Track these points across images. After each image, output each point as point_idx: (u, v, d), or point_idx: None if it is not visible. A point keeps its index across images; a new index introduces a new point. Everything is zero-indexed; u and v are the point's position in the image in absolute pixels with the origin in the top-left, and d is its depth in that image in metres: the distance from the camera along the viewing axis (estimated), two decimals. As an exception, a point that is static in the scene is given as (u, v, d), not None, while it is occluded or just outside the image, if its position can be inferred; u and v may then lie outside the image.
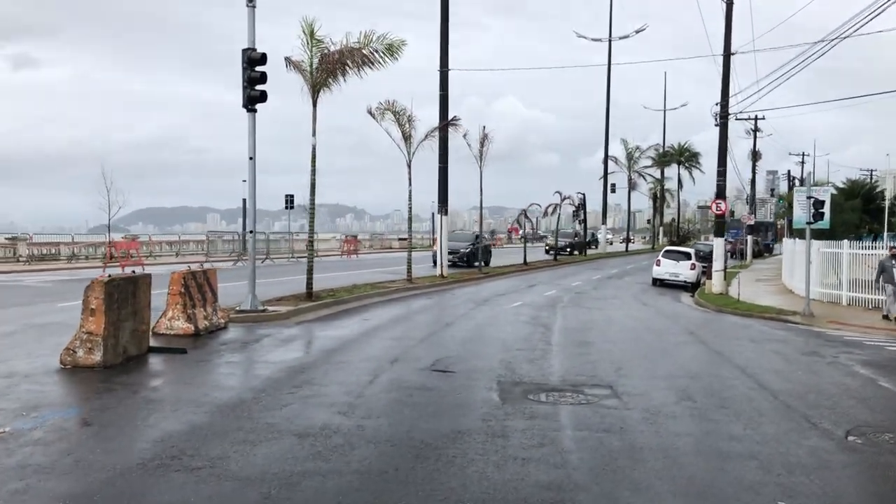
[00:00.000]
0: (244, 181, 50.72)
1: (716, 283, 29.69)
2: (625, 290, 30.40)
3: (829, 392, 10.09)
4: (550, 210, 49.62)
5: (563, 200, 48.32)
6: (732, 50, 30.12)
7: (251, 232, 15.97)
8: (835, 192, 47.54)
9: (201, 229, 55.89)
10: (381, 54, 18.90)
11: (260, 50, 15.62)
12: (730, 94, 29.96)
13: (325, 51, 18.19)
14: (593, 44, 61.97)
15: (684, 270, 34.51)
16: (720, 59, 30.01)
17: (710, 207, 34.96)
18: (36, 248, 37.59)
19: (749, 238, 60.50)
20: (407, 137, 26.09)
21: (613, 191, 73.38)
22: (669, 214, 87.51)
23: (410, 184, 26.63)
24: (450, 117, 29.55)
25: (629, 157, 65.76)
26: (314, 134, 18.46)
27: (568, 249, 55.25)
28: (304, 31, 18.39)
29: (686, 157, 75.94)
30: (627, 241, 72.56)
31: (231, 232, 48.01)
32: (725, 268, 35.66)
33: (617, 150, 67.62)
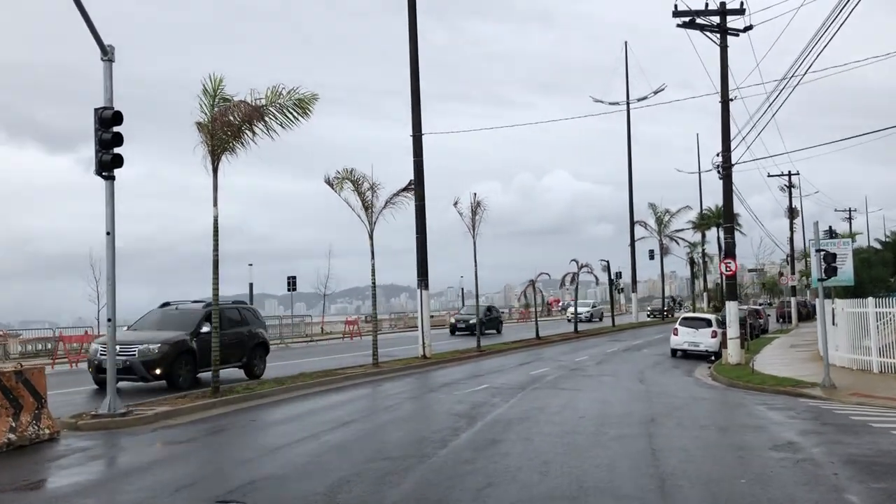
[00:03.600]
0: (250, 264, 49.13)
1: (732, 353, 26.18)
2: (632, 365, 27.11)
3: (762, 516, 7.00)
4: (568, 279, 46.59)
5: (580, 269, 45.23)
6: (731, 96, 27.42)
7: (109, 320, 13.54)
8: (878, 246, 43.58)
9: (263, 315, 55.60)
10: (291, 111, 16.72)
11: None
12: (731, 144, 27.05)
13: (223, 109, 16.08)
14: (633, 111, 59.51)
15: (704, 339, 31.06)
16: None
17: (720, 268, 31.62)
18: (30, 343, 35.95)
19: (793, 300, 56.22)
20: (368, 207, 23.78)
21: (652, 257, 69.92)
22: (714, 280, 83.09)
23: (373, 257, 24.19)
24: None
25: (659, 221, 62.40)
26: (215, 204, 16.23)
27: None
28: (205, 90, 16.38)
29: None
30: (663, 309, 68.44)
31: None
32: (747, 335, 32.14)
33: (647, 215, 64.03)
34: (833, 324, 24.22)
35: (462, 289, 67.99)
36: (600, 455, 10.09)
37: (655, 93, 56.86)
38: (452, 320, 47.48)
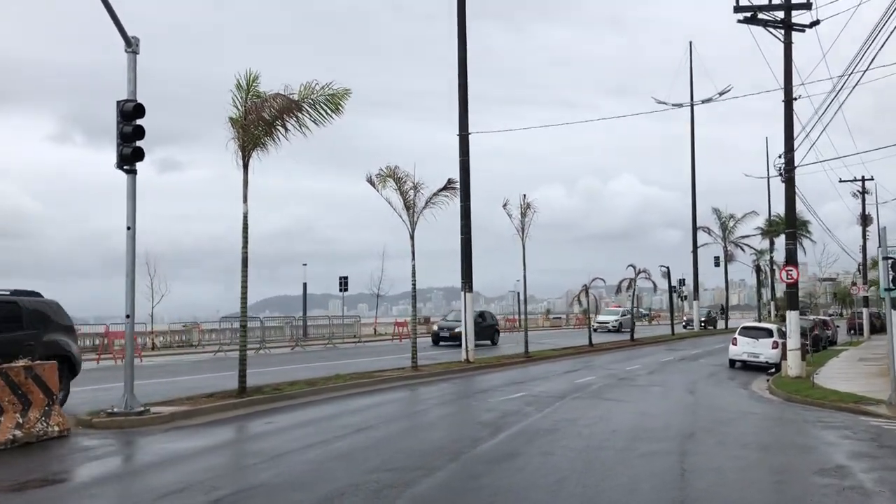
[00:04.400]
0: (304, 264, 49.14)
1: (792, 366, 24.75)
2: (685, 375, 25.94)
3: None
4: (625, 286, 45.33)
5: (637, 274, 43.94)
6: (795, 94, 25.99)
7: (127, 316, 13.28)
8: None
9: (327, 314, 56.64)
10: (323, 107, 16.30)
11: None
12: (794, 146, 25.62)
13: (257, 104, 15.75)
14: (699, 114, 57.58)
15: (765, 349, 29.59)
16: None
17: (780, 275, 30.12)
18: (88, 338, 36.67)
19: (865, 311, 53.64)
20: (410, 206, 23.28)
21: (717, 264, 67.81)
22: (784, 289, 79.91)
23: (414, 258, 23.63)
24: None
25: (723, 227, 60.39)
26: (245, 200, 15.88)
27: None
28: (238, 85, 16.09)
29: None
30: (726, 317, 66.23)
31: (288, 317, 46.17)
32: (809, 347, 30.53)
33: (711, 220, 62.00)
34: (892, 335, 22.65)
35: (518, 293, 67.02)
36: (623, 474, 9.28)
37: (721, 94, 54.99)
38: (435, 328, 39.81)
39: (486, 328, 39.07)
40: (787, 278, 25.85)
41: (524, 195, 30.87)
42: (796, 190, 27.31)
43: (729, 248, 61.32)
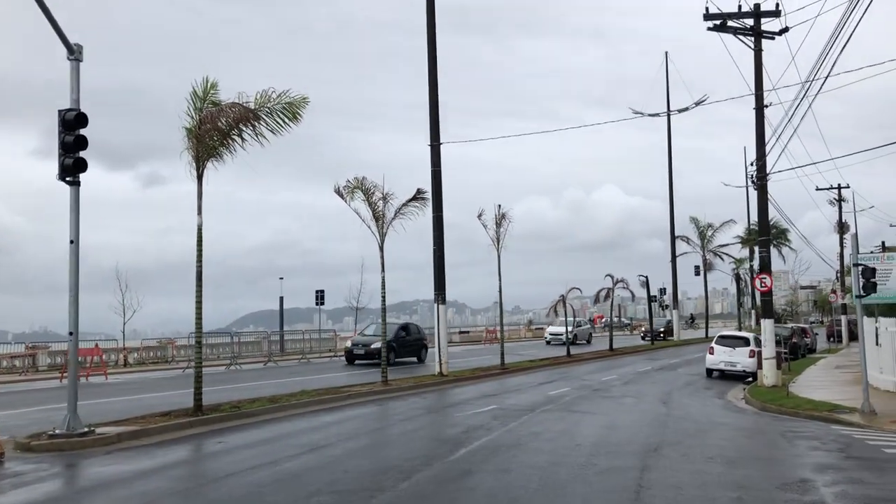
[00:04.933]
0: (281, 278, 48.48)
1: (768, 374, 24.52)
2: (661, 386, 25.62)
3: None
4: (603, 295, 45.05)
5: (615, 284, 43.69)
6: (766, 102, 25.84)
7: (70, 334, 12.79)
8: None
9: (309, 328, 55.23)
10: (280, 115, 15.88)
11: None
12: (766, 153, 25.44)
13: (213, 112, 15.31)
14: (682, 125, 57.67)
15: (742, 358, 29.38)
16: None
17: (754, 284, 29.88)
18: (58, 355, 35.98)
19: (843, 318, 53.67)
20: (379, 217, 22.89)
21: (697, 273, 67.76)
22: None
23: (383, 269, 23.22)
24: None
25: (701, 236, 60.34)
26: (199, 212, 15.41)
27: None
28: (194, 93, 15.67)
29: (774, 234, 69.37)
30: (707, 325, 66.09)
31: (260, 332, 45.56)
32: (787, 355, 30.40)
33: (691, 230, 61.87)
34: (876, 344, 22.51)
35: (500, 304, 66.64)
36: (577, 492, 8.88)
37: (697, 104, 54.82)
38: (348, 344, 34.22)
39: (412, 343, 34.14)
40: (761, 286, 25.63)
41: (499, 206, 30.55)
42: (770, 198, 27.23)
43: (708, 257, 61.24)
